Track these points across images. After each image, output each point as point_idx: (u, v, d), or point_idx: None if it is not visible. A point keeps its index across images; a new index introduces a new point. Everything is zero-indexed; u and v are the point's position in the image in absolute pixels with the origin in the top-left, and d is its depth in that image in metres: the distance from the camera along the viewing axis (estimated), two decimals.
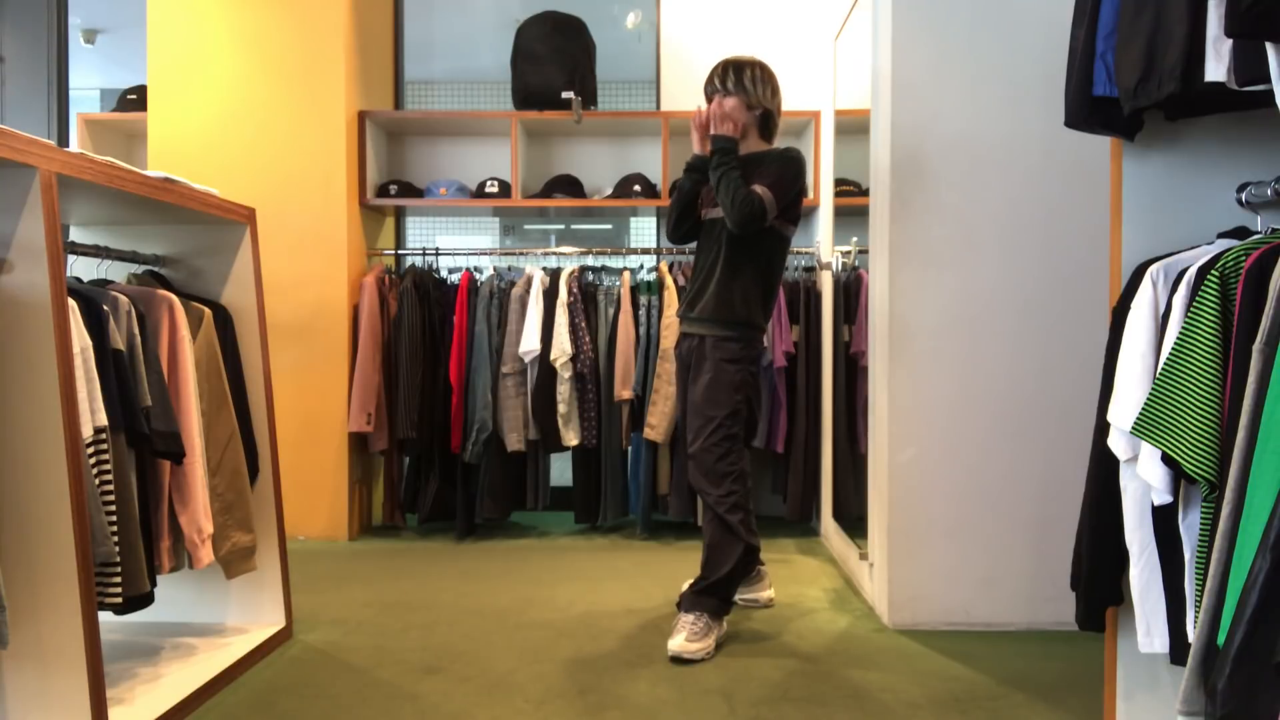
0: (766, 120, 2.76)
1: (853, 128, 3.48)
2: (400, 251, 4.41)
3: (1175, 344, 1.44)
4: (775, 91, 2.77)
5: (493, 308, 3.92)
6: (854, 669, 2.42)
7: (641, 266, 4.26)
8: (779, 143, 2.82)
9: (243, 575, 2.47)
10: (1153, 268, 1.59)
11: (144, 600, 2.05)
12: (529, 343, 3.81)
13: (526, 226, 5.41)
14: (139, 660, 2.36)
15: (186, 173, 2.62)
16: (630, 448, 4.01)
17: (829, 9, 4.00)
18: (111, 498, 1.92)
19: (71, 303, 1.83)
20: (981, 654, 2.54)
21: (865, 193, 3.07)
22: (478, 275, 4.06)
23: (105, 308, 1.97)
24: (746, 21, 4.39)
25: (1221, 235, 1.63)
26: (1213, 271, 1.41)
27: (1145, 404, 1.46)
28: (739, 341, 2.65)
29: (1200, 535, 1.42)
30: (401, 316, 3.89)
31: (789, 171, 2.63)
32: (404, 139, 4.48)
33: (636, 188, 4.14)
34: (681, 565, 3.44)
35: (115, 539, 1.91)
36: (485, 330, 3.90)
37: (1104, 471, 1.68)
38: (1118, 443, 1.60)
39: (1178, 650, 1.57)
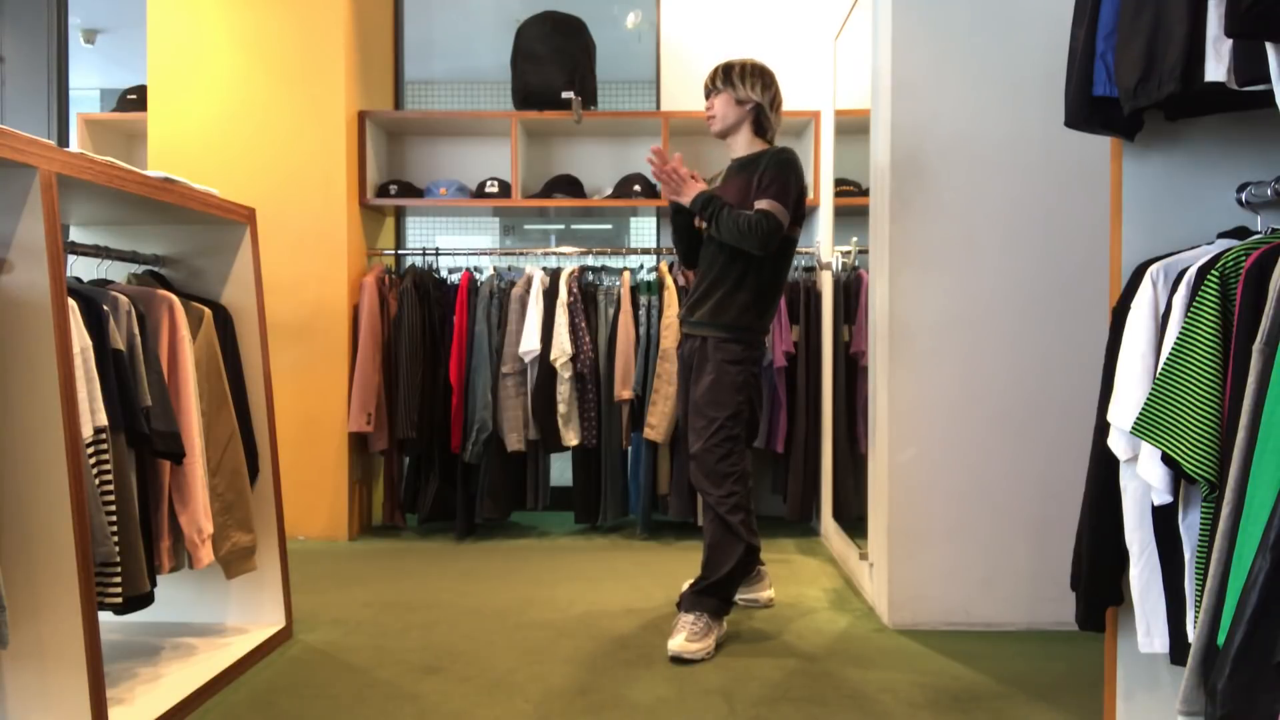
0: (759, 116, 2.73)
1: (853, 128, 3.48)
2: (400, 251, 4.41)
3: (1175, 344, 1.44)
4: (767, 87, 2.72)
5: (493, 308, 3.92)
6: (854, 669, 2.42)
7: (641, 266, 4.26)
8: (778, 142, 2.80)
9: (243, 575, 2.47)
10: (1153, 268, 1.59)
11: (144, 600, 2.05)
12: (529, 343, 3.81)
13: (526, 226, 5.42)
14: (139, 660, 2.36)
15: (186, 173, 2.62)
16: (630, 448, 4.01)
17: (829, 9, 4.00)
18: (111, 498, 1.92)
19: (71, 303, 1.83)
20: (981, 654, 2.54)
21: (865, 193, 3.07)
22: (478, 275, 4.06)
23: (105, 308, 1.97)
24: (746, 21, 4.39)
25: (1221, 235, 1.63)
26: (1213, 271, 1.41)
27: (1145, 404, 1.46)
28: (741, 343, 2.65)
29: (1200, 535, 1.42)
30: (401, 316, 3.89)
31: (788, 176, 2.61)
32: (404, 139, 4.48)
33: (636, 188, 4.14)
34: (681, 565, 3.44)
35: (115, 539, 1.91)
36: (485, 330, 3.90)
37: (1104, 471, 1.68)
38: (1118, 443, 1.60)
39: (1178, 650, 1.57)
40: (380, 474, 4.17)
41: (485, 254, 4.44)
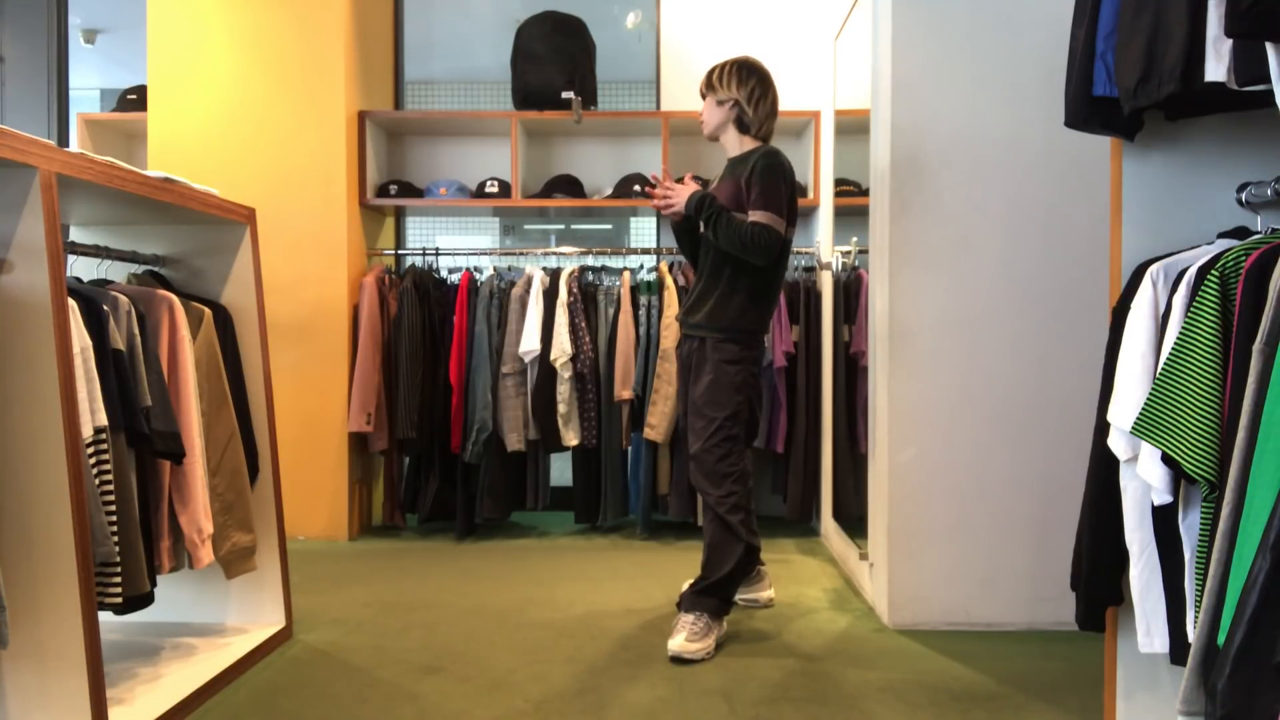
0: (741, 113, 2.70)
1: (853, 128, 3.48)
2: (400, 251, 4.41)
3: (1175, 344, 1.44)
4: (743, 83, 2.69)
5: (493, 308, 3.92)
6: (854, 669, 2.42)
7: (641, 266, 4.26)
8: (776, 142, 2.79)
9: (243, 575, 2.47)
10: (1153, 268, 1.59)
11: (144, 600, 2.05)
12: (529, 343, 3.81)
13: (526, 226, 5.42)
14: (139, 660, 2.36)
15: (186, 173, 2.62)
16: (630, 448, 4.01)
17: (829, 9, 4.00)
18: (111, 498, 1.92)
19: (71, 303, 1.83)
20: (981, 654, 2.54)
21: (865, 193, 3.07)
22: (478, 275, 4.06)
23: (105, 308, 1.97)
24: (746, 21, 4.39)
25: (1221, 235, 1.63)
26: (1213, 271, 1.41)
27: (1145, 404, 1.46)
28: (739, 343, 2.65)
29: (1200, 535, 1.42)
30: (401, 316, 3.89)
31: (777, 182, 2.59)
32: (404, 139, 4.48)
33: (636, 188, 4.14)
34: (681, 565, 3.44)
35: (115, 539, 1.91)
36: (485, 330, 3.90)
37: (1104, 471, 1.68)
38: (1118, 443, 1.60)
39: (1178, 650, 1.57)
40: (380, 474, 4.17)
41: (485, 254, 4.44)
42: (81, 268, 2.43)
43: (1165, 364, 1.45)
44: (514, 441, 3.86)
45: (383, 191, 4.17)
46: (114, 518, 1.93)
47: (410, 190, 4.20)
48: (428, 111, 4.44)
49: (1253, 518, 1.20)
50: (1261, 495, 1.18)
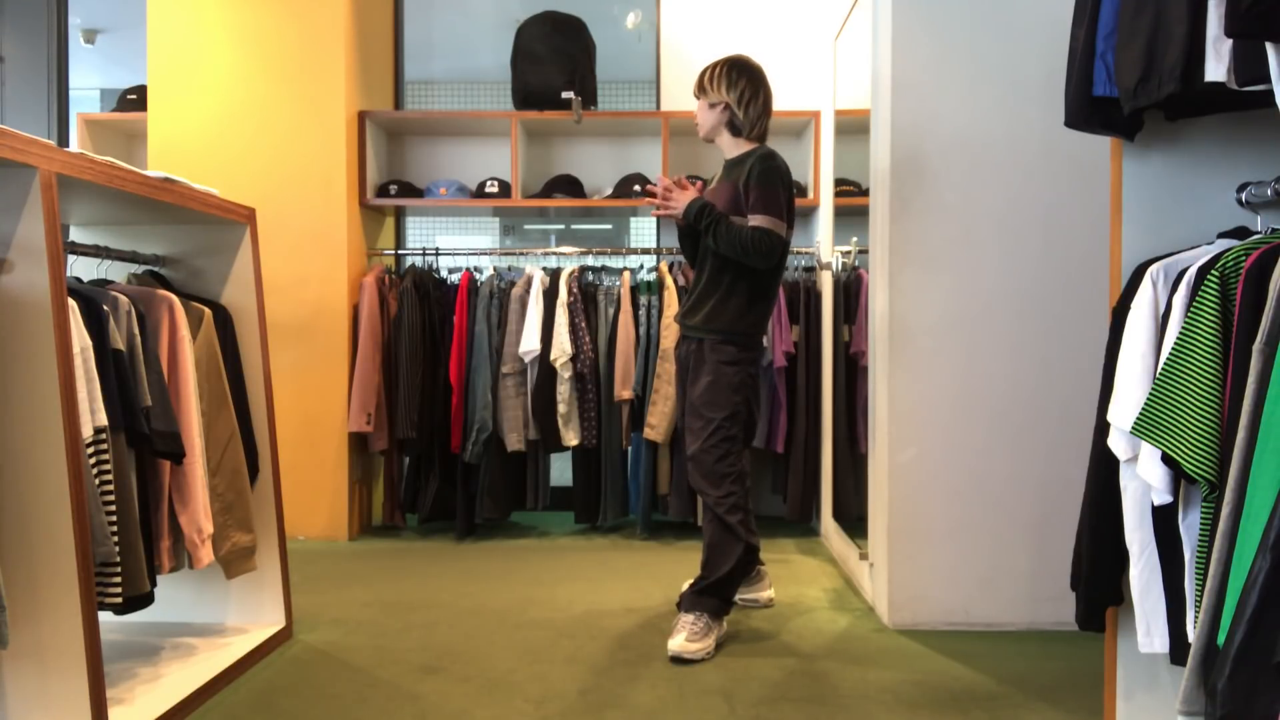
0: (732, 115, 2.69)
1: (853, 128, 3.48)
2: (400, 251, 4.41)
3: (1175, 344, 1.44)
4: (733, 85, 2.68)
5: (493, 308, 3.92)
6: (854, 669, 2.42)
7: (641, 266, 4.26)
8: (770, 142, 2.78)
9: (243, 575, 2.47)
10: (1153, 268, 1.59)
11: (144, 600, 2.05)
12: (529, 343, 3.81)
13: (526, 226, 5.41)
14: (139, 660, 2.36)
15: (186, 173, 2.62)
16: (630, 448, 4.01)
17: (829, 9, 4.00)
18: (111, 498, 1.92)
19: (71, 303, 1.83)
20: (981, 654, 2.54)
21: (865, 193, 3.07)
22: (478, 275, 4.06)
23: (105, 308, 1.97)
24: (746, 21, 4.39)
25: (1221, 235, 1.63)
26: (1213, 271, 1.41)
27: (1145, 404, 1.46)
28: (738, 344, 2.65)
29: (1200, 535, 1.42)
30: (401, 316, 3.89)
31: (775, 185, 2.59)
32: (404, 139, 4.48)
33: (636, 188, 4.14)
34: (681, 565, 3.44)
35: (115, 539, 1.91)
36: (485, 330, 3.90)
37: (1104, 471, 1.68)
38: (1118, 443, 1.60)
39: (1178, 650, 1.57)
40: (380, 474, 4.17)
41: (485, 254, 4.44)
42: (81, 268, 2.43)
43: (1165, 364, 1.45)
44: (514, 441, 3.86)
45: (383, 191, 4.17)
46: (114, 518, 1.93)
47: (410, 190, 4.20)
48: (428, 111, 4.44)
49: (1253, 518, 1.20)
50: (1261, 495, 1.18)
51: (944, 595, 2.76)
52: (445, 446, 3.92)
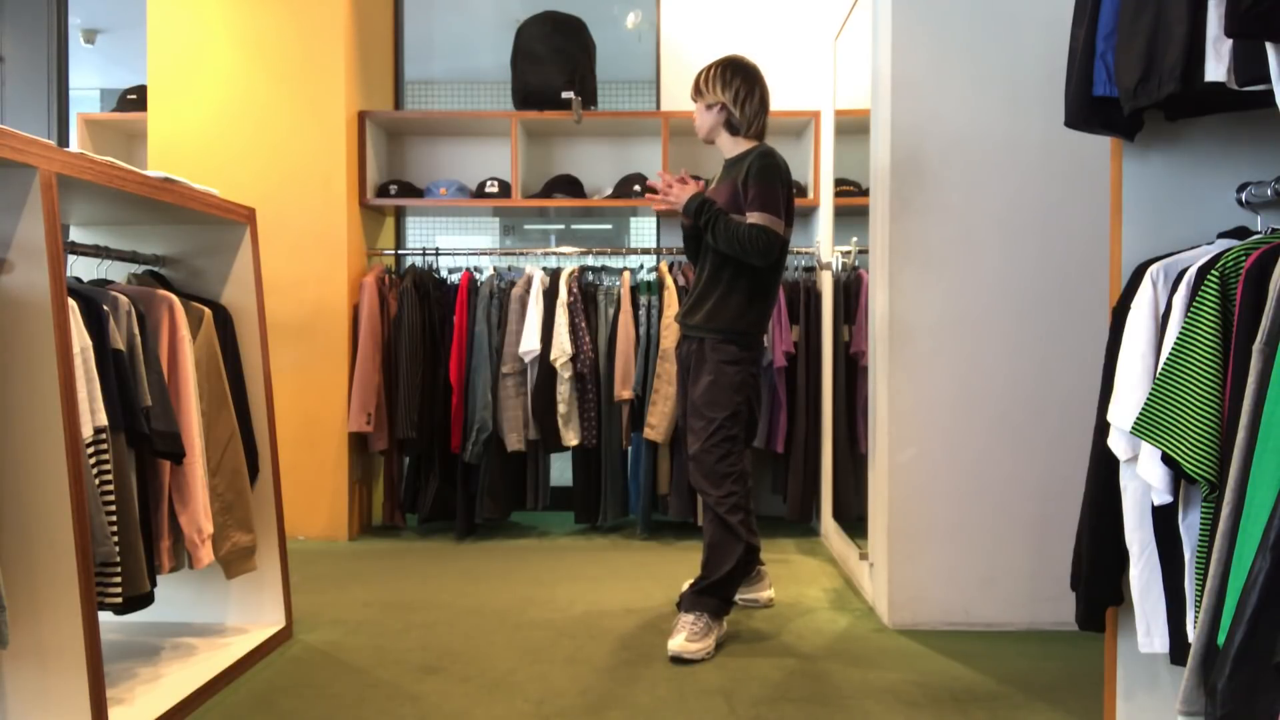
0: (729, 115, 2.70)
1: (853, 128, 3.48)
2: (400, 251, 4.41)
3: (1175, 344, 1.44)
4: (727, 85, 2.68)
5: (493, 308, 3.92)
6: (854, 669, 2.42)
7: (641, 266, 4.26)
8: (770, 142, 2.78)
9: (243, 575, 2.47)
10: (1153, 268, 1.59)
11: (144, 600, 2.05)
12: (529, 343, 3.81)
13: (526, 226, 5.41)
14: (139, 660, 2.36)
15: (186, 173, 2.62)
16: (630, 448, 4.01)
17: (829, 9, 4.00)
18: (111, 498, 1.92)
19: (71, 303, 1.83)
20: (981, 654, 2.54)
21: (865, 193, 3.07)
22: (478, 275, 4.06)
23: (105, 308, 1.97)
24: (746, 21, 4.39)
25: (1221, 235, 1.63)
26: (1213, 271, 1.41)
27: (1145, 404, 1.46)
28: (739, 344, 2.65)
29: (1200, 535, 1.42)
30: (401, 316, 3.89)
31: (774, 183, 2.59)
32: (404, 139, 4.48)
33: (636, 188, 4.14)
34: (681, 565, 3.44)
35: (115, 539, 1.91)
36: (485, 330, 3.90)
37: (1104, 471, 1.68)
38: (1118, 443, 1.60)
39: (1178, 650, 1.57)
40: (380, 474, 4.17)
41: (485, 254, 4.44)
42: (81, 268, 2.43)
43: (1165, 364, 1.45)
44: (514, 441, 3.86)
45: (383, 191, 4.17)
46: (114, 518, 1.93)
47: (410, 190, 4.20)
48: (428, 111, 4.44)
49: (1253, 518, 1.20)
50: (1261, 495, 1.18)
51: (944, 595, 2.76)
52: (445, 446, 3.92)
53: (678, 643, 2.47)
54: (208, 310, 2.39)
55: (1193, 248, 1.63)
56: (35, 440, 1.72)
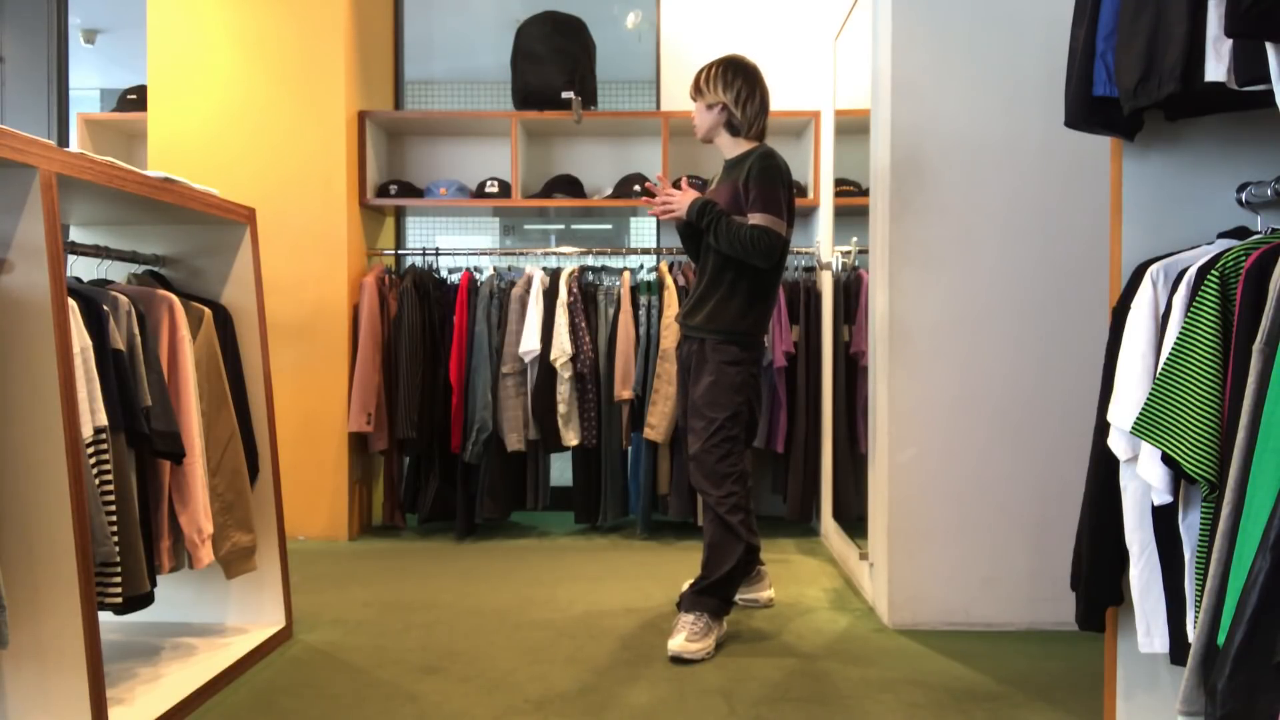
0: (730, 116, 2.70)
1: (853, 128, 3.48)
2: (400, 251, 4.41)
3: (1175, 344, 1.44)
4: (729, 85, 2.68)
5: (493, 308, 3.92)
6: (854, 669, 2.42)
7: (641, 266, 4.26)
8: (770, 142, 2.77)
9: (243, 575, 2.47)
10: (1153, 268, 1.59)
11: (144, 600, 2.05)
12: (529, 343, 3.81)
13: (526, 226, 5.41)
14: (139, 660, 2.36)
15: (186, 173, 2.62)
16: (630, 448, 4.01)
17: (829, 9, 4.00)
18: (111, 498, 1.92)
19: (71, 303, 1.83)
20: (981, 654, 2.54)
21: (865, 193, 3.07)
22: (478, 275, 4.06)
23: (105, 308, 1.97)
24: (746, 21, 4.39)
25: (1221, 235, 1.63)
26: (1213, 271, 1.41)
27: (1145, 404, 1.46)
28: (740, 344, 2.65)
29: (1200, 535, 1.42)
30: (401, 316, 3.89)
31: (774, 184, 2.59)
32: (404, 139, 4.48)
33: (636, 188, 4.14)
34: (681, 565, 3.44)
35: (115, 539, 1.91)
36: (485, 330, 3.90)
37: (1104, 471, 1.68)
38: (1118, 443, 1.60)
39: (1178, 650, 1.57)
40: (380, 474, 4.17)
41: (485, 254, 4.44)
42: (81, 268, 2.43)
43: (1165, 364, 1.45)
44: (514, 441, 3.86)
45: (383, 191, 4.17)
46: (114, 518, 1.93)
47: (410, 190, 4.20)
48: (428, 111, 4.44)
49: (1253, 518, 1.20)
50: (1261, 495, 1.18)
51: (944, 595, 2.76)
52: (445, 446, 3.92)
53: (678, 643, 2.47)
54: (208, 310, 2.39)
55: (1193, 248, 1.63)
56: (35, 440, 1.72)
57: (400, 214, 4.66)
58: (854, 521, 3.41)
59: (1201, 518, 1.43)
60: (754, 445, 3.42)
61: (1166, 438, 1.41)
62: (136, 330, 2.07)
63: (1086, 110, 1.68)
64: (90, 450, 1.85)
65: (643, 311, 3.91)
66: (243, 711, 2.16)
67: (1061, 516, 2.61)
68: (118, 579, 1.94)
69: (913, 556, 2.77)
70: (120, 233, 2.54)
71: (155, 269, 2.54)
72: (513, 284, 3.96)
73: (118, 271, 2.49)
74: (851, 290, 3.63)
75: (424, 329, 3.91)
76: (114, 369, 1.96)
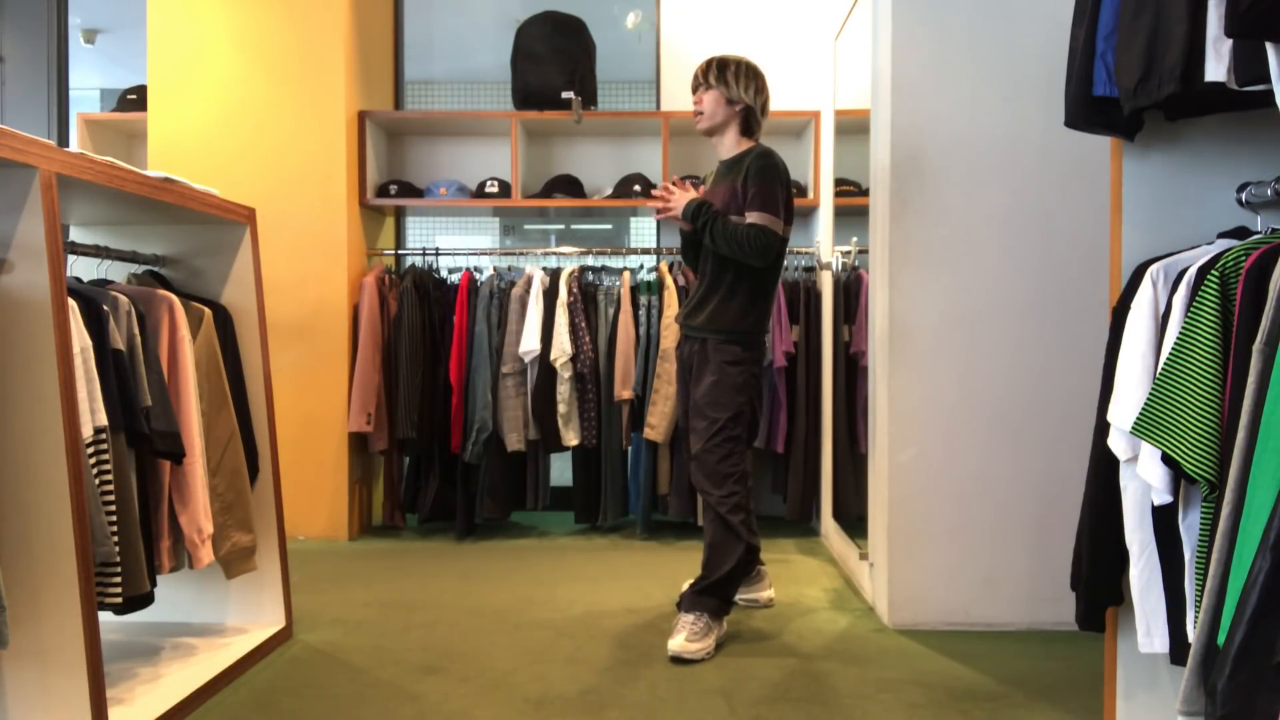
0: (748, 118, 2.72)
1: (853, 128, 3.48)
2: (400, 251, 4.41)
3: (1175, 344, 1.44)
4: (759, 90, 2.72)
5: (493, 308, 3.92)
6: (854, 669, 2.42)
7: (641, 266, 4.26)
8: (769, 142, 2.77)
9: (243, 575, 2.47)
10: (1153, 268, 1.59)
11: (144, 600, 2.05)
12: (529, 343, 3.81)
13: (526, 226, 5.42)
14: (139, 660, 2.36)
15: (186, 173, 2.62)
16: (630, 448, 4.01)
17: (829, 9, 4.00)
18: (111, 498, 1.92)
19: (71, 303, 1.83)
20: (981, 654, 2.54)
21: (865, 193, 3.07)
22: (478, 275, 4.06)
23: (105, 308, 1.97)
24: (746, 21, 4.39)
25: (1221, 235, 1.63)
26: (1213, 271, 1.41)
27: (1145, 404, 1.46)
28: (742, 344, 2.65)
29: (1200, 535, 1.42)
30: (401, 316, 3.89)
31: (774, 182, 2.60)
32: (404, 139, 4.48)
33: (636, 188, 4.14)
34: (681, 565, 3.44)
35: (115, 539, 1.91)
36: (485, 330, 3.90)
37: (1104, 471, 1.68)
38: (1118, 443, 1.60)
39: (1178, 650, 1.57)
40: (380, 474, 4.17)
41: (485, 254, 4.44)
42: (81, 268, 2.43)
43: (1165, 364, 1.45)
44: (514, 441, 3.86)
45: (383, 191, 4.17)
46: (114, 518, 1.93)
47: (410, 190, 4.20)
48: (428, 111, 4.44)
49: (1253, 518, 1.20)
50: (1261, 495, 1.18)
51: (944, 595, 2.76)
52: (445, 446, 3.92)
53: (678, 643, 2.47)
54: (208, 310, 2.39)
55: (1193, 248, 1.63)
56: (35, 440, 1.72)
57: (400, 214, 4.66)
58: (854, 521, 3.41)
59: (1201, 518, 1.43)
60: (754, 445, 3.43)
61: (1166, 438, 1.41)
62: (136, 330, 2.07)
63: (1086, 110, 1.68)
64: (90, 450, 1.85)
65: (643, 311, 3.91)
66: (243, 711, 2.16)
67: (1061, 516, 2.61)
68: (118, 579, 1.94)
69: (913, 556, 2.77)
70: (120, 233, 2.54)
71: (155, 269, 2.54)
72: (513, 284, 3.96)
73: (118, 271, 2.49)
74: (851, 290, 3.63)
75: (424, 329, 3.91)
76: (114, 369, 1.96)
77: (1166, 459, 1.42)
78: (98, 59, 5.41)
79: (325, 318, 3.91)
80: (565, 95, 4.06)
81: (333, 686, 2.31)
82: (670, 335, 3.76)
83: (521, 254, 4.37)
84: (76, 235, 2.54)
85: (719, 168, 2.78)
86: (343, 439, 3.90)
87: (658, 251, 4.24)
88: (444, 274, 4.12)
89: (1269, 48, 1.23)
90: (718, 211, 2.61)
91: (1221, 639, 1.20)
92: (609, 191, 4.30)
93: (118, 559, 1.91)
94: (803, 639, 2.66)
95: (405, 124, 4.32)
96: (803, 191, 4.19)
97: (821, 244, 4.03)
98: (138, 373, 2.05)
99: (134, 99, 4.22)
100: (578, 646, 2.58)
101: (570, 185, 4.22)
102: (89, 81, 5.52)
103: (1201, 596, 1.35)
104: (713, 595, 2.59)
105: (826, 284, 3.83)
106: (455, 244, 5.16)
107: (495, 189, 4.15)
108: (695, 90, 2.75)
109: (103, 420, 1.89)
